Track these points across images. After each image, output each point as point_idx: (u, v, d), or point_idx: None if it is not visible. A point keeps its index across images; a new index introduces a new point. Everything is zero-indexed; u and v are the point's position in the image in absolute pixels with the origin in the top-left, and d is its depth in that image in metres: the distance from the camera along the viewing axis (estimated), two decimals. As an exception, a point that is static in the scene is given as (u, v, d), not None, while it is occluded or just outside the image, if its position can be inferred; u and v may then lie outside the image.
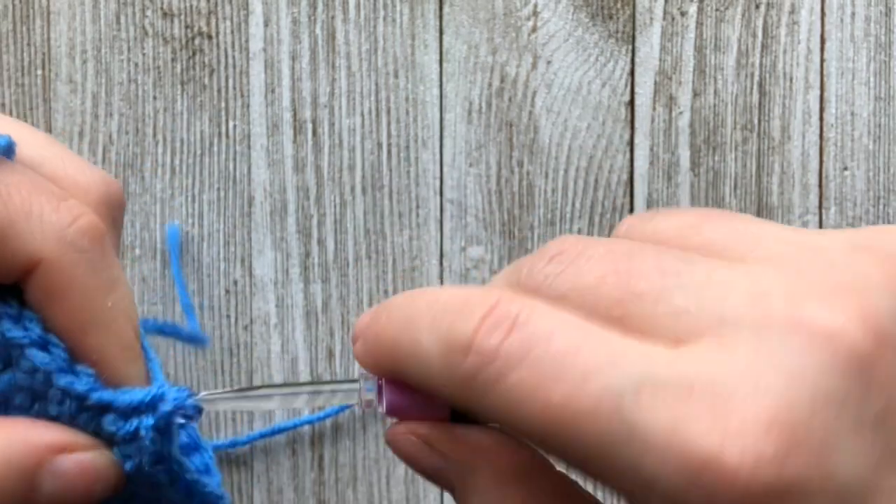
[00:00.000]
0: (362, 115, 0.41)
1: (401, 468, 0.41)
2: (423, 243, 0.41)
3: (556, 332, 0.21)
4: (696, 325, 0.21)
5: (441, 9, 0.41)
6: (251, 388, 0.29)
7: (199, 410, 0.26)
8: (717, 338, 0.20)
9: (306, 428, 0.41)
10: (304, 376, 0.41)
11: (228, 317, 0.41)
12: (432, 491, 0.41)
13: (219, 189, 0.41)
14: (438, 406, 0.25)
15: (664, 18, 0.42)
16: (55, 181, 0.26)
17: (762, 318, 0.20)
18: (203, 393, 0.26)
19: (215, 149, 0.41)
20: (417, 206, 0.41)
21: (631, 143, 0.42)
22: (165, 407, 0.25)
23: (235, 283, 0.41)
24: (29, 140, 0.27)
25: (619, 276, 0.22)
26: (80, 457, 0.25)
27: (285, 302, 0.41)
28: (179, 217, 0.41)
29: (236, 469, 0.41)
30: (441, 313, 0.23)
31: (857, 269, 0.21)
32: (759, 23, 0.42)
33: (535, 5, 0.41)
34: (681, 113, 0.42)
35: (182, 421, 0.25)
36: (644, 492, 0.20)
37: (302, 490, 0.41)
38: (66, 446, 0.25)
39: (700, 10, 0.42)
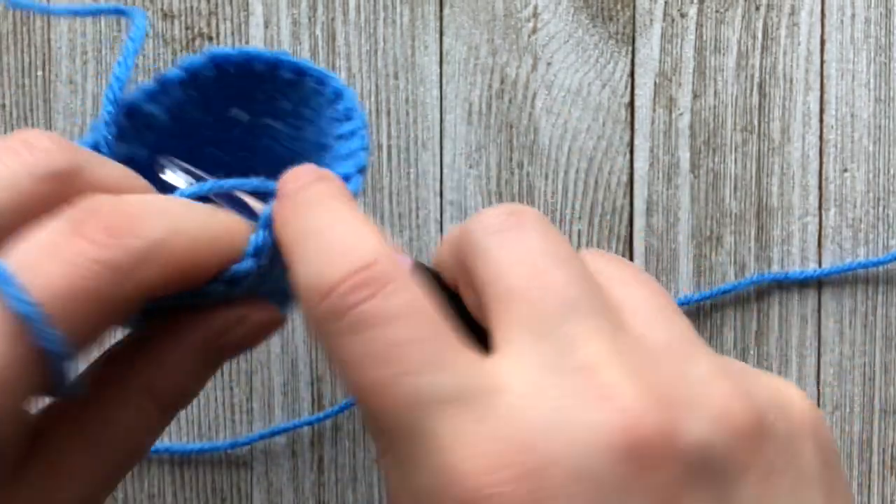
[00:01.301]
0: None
1: (400, 469, 0.41)
2: (423, 244, 0.41)
3: (406, 318, 0.22)
4: (536, 355, 0.22)
5: (441, 10, 0.41)
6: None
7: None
8: (544, 377, 0.22)
9: (306, 429, 0.41)
10: (305, 377, 0.41)
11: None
12: (432, 492, 0.41)
13: (219, 190, 0.41)
14: None
15: (664, 20, 0.42)
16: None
17: (590, 377, 0.21)
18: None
19: (215, 150, 0.41)
20: (417, 208, 0.41)
21: (631, 145, 0.42)
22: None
23: (235, 284, 0.41)
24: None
25: (526, 278, 0.24)
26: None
27: (285, 303, 0.41)
28: (179, 218, 0.41)
29: (236, 470, 0.41)
30: (327, 245, 0.23)
31: (710, 392, 0.22)
32: (759, 24, 0.42)
33: (536, 7, 0.41)
34: (681, 114, 0.42)
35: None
36: (398, 484, 0.22)
37: (302, 491, 0.41)
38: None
39: (700, 12, 0.42)
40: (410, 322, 0.22)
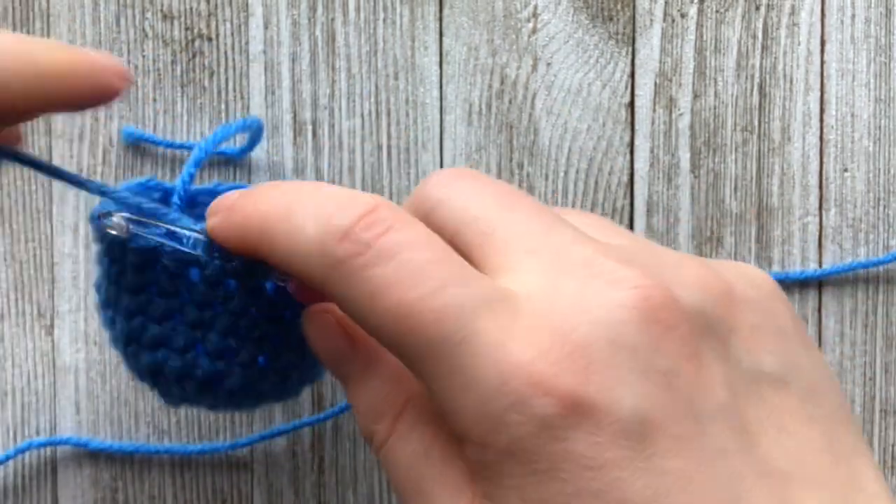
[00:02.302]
0: (362, 116, 0.41)
1: (401, 470, 0.41)
2: (423, 245, 0.41)
3: (423, 244, 0.24)
4: (536, 264, 0.24)
5: (441, 11, 0.41)
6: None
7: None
8: (551, 279, 0.24)
9: (306, 430, 0.41)
10: (305, 378, 0.41)
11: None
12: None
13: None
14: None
15: (664, 20, 0.42)
16: None
17: (592, 269, 0.24)
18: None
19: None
20: (417, 208, 0.41)
21: (631, 145, 0.42)
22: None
23: (235, 285, 0.41)
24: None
25: (495, 210, 0.26)
26: None
27: (285, 304, 0.41)
28: (179, 219, 0.41)
29: (236, 471, 0.41)
30: (324, 202, 0.25)
31: (684, 271, 0.25)
32: (760, 24, 0.42)
33: (535, 7, 0.41)
34: (681, 114, 0.42)
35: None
36: (459, 395, 0.23)
37: (302, 492, 0.41)
38: None
39: (700, 12, 0.42)
40: (430, 247, 0.24)
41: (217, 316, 0.30)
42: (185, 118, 0.41)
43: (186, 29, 0.41)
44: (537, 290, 0.24)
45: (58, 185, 0.41)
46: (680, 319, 0.24)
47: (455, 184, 0.27)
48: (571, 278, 0.24)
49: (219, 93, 0.41)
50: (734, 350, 0.25)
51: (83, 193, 0.40)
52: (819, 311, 0.42)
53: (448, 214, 0.26)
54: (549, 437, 0.22)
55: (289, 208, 0.26)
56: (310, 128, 0.41)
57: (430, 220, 0.26)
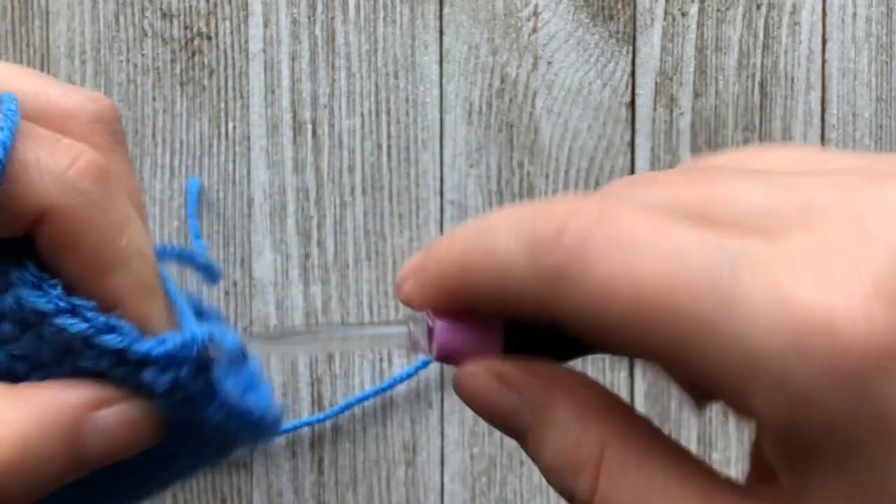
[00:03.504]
0: (362, 115, 0.41)
1: (401, 470, 0.41)
2: (423, 244, 0.41)
3: (642, 222, 0.20)
4: (784, 219, 0.20)
5: (441, 9, 0.41)
6: (292, 331, 0.27)
7: (241, 351, 0.25)
8: (807, 226, 0.19)
9: (306, 430, 0.41)
10: (304, 377, 0.41)
11: (228, 318, 0.41)
12: (433, 492, 0.41)
13: (218, 190, 0.41)
14: (493, 343, 0.24)
15: (665, 19, 0.42)
16: (42, 115, 0.25)
17: (851, 203, 0.20)
18: (240, 330, 0.26)
19: (215, 150, 0.41)
20: (418, 208, 0.41)
21: (632, 144, 0.42)
22: (194, 351, 0.24)
23: (235, 284, 0.41)
24: (6, 76, 0.25)
25: (698, 184, 0.21)
26: (118, 408, 0.24)
27: (285, 304, 0.41)
28: (179, 219, 0.41)
29: (236, 471, 0.41)
30: (519, 219, 0.22)
31: None
32: (761, 23, 0.42)
33: (536, 6, 0.41)
34: (682, 114, 0.42)
35: (219, 358, 0.24)
36: (746, 373, 0.19)
37: (302, 492, 0.41)
38: (103, 401, 0.24)
39: (701, 11, 0.42)
40: (651, 220, 0.20)
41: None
42: (184, 117, 0.41)
43: (186, 27, 0.41)
44: (798, 227, 0.19)
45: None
46: None
47: (600, 232, 0.22)
48: (835, 207, 0.20)
49: (218, 91, 0.41)
50: None
51: None
52: (820, 310, 0.42)
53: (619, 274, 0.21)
54: (874, 400, 0.18)
55: (483, 235, 0.22)
56: (310, 127, 0.41)
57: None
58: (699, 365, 0.20)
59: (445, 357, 0.24)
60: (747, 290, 0.19)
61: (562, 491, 0.23)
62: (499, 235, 0.22)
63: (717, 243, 0.19)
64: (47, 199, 0.23)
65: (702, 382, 0.20)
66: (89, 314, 0.24)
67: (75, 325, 0.24)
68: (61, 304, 0.24)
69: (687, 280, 0.19)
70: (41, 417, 0.23)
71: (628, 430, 0.22)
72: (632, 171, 0.42)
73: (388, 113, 0.41)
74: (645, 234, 0.20)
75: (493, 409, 0.24)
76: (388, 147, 0.41)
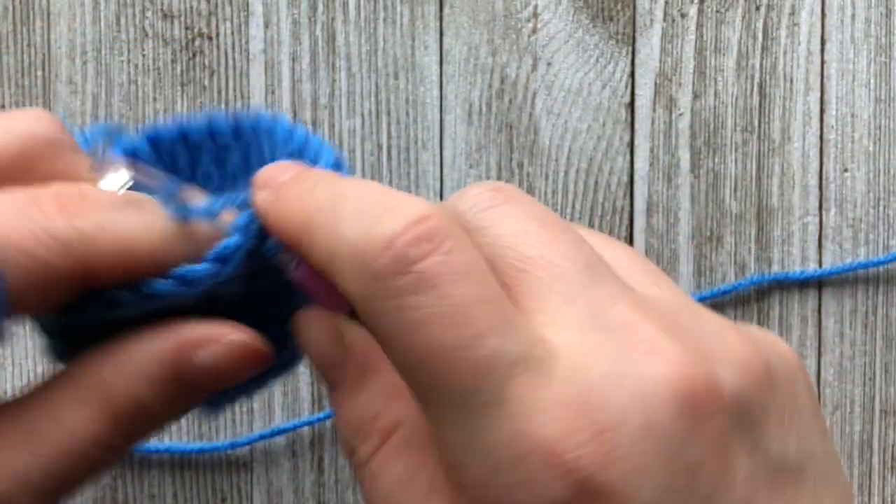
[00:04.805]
0: (362, 116, 0.41)
1: (401, 470, 0.41)
2: (423, 245, 0.41)
3: (471, 276, 0.22)
4: (573, 316, 0.22)
5: (441, 10, 0.41)
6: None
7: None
8: (588, 338, 0.22)
9: (306, 429, 0.41)
10: (304, 377, 0.41)
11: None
12: (432, 492, 0.41)
13: (219, 190, 0.41)
14: (342, 302, 0.24)
15: (664, 20, 0.42)
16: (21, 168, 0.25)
17: (631, 335, 0.22)
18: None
19: (215, 150, 0.41)
20: (417, 208, 0.41)
21: (631, 145, 0.42)
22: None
23: (235, 284, 0.41)
24: None
25: (536, 244, 0.23)
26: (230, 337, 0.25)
27: (285, 303, 0.41)
28: (179, 218, 0.41)
29: (236, 471, 0.41)
30: (370, 204, 0.23)
31: (727, 344, 0.23)
32: (760, 24, 0.42)
33: (536, 7, 0.41)
34: (681, 115, 0.42)
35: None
36: (471, 454, 0.22)
37: (302, 492, 0.41)
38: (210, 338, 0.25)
39: (700, 12, 0.42)
40: (475, 280, 0.22)
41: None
42: (185, 118, 0.41)
43: (187, 28, 0.41)
44: (573, 349, 0.22)
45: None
46: (717, 408, 0.22)
47: (496, 209, 0.24)
48: (609, 341, 0.22)
49: (219, 92, 0.41)
50: (764, 438, 0.23)
51: None
52: (819, 311, 0.42)
53: (484, 240, 0.24)
54: None
55: (333, 206, 0.23)
56: (310, 127, 0.41)
57: None
58: (449, 426, 0.22)
59: (304, 286, 0.26)
60: (512, 393, 0.21)
61: (345, 448, 0.25)
62: (345, 215, 0.23)
63: (513, 337, 0.21)
64: None
65: (449, 436, 0.23)
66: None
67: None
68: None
69: (474, 360, 0.21)
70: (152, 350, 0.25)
71: (423, 420, 0.24)
72: (631, 171, 0.42)
73: (388, 113, 0.41)
74: (462, 294, 0.22)
75: (322, 355, 0.26)
76: (389, 147, 0.41)
